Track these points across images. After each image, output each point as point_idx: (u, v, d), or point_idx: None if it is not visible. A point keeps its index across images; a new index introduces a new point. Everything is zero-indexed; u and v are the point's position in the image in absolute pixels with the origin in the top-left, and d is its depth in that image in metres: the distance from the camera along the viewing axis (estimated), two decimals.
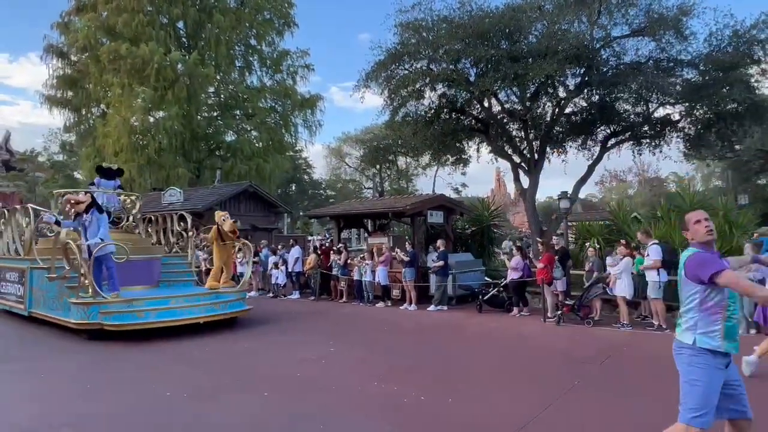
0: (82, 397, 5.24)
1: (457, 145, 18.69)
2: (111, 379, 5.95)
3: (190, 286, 10.89)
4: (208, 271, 12.32)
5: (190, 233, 11.61)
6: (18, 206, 10.97)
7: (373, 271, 12.52)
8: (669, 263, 8.80)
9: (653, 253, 8.72)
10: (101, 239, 8.35)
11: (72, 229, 9.02)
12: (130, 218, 11.38)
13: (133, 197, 11.80)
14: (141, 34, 24.43)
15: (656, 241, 8.96)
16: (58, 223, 9.34)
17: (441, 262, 11.63)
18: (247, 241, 11.23)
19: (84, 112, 28.71)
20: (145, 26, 24.63)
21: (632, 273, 9.34)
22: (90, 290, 8.13)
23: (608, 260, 9.86)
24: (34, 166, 45.85)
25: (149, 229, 12.19)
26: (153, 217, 12.32)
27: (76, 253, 8.07)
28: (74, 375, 6.22)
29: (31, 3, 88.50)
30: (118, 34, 24.68)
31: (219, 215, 10.18)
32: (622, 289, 9.17)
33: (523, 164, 16.98)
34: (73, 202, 8.66)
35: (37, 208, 10.25)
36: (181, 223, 11.85)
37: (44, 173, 44.84)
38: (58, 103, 28.23)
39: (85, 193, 8.93)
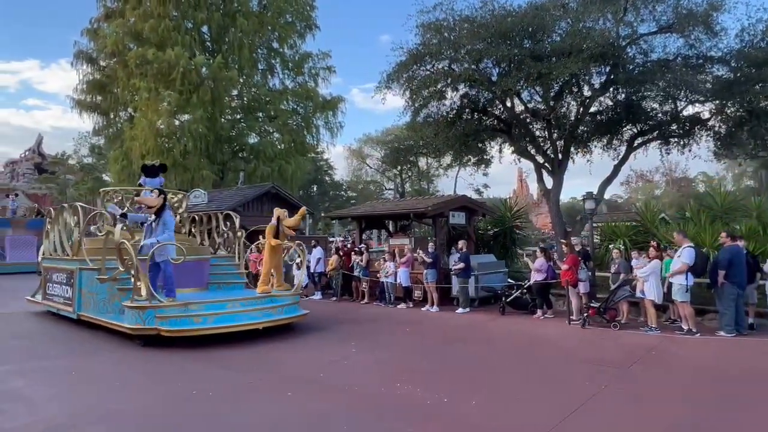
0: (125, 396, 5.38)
1: (479, 145, 18.51)
2: (169, 391, 5.59)
3: (241, 289, 10.40)
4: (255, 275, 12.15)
5: (239, 233, 11.04)
6: (66, 204, 10.57)
7: (395, 273, 12.51)
8: (697, 267, 8.58)
9: (686, 256, 8.46)
10: (157, 241, 7.98)
11: (140, 223, 8.92)
12: (177, 217, 10.85)
13: (179, 195, 11.42)
14: (167, 39, 24.96)
15: (691, 245, 8.72)
16: (124, 215, 9.11)
17: (462, 264, 11.55)
18: (300, 242, 10.67)
19: (112, 116, 29.47)
20: (171, 31, 25.16)
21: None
22: (144, 293, 7.75)
23: (634, 262, 9.66)
24: (65, 168, 47.35)
25: (193, 229, 11.84)
26: (197, 217, 11.99)
27: (131, 253, 7.69)
28: (116, 376, 6.38)
29: (61, 11, 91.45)
30: (145, 39, 25.27)
31: (279, 211, 9.57)
32: (651, 291, 8.96)
33: (546, 164, 16.73)
34: (144, 205, 8.37)
35: (86, 206, 9.99)
36: (227, 223, 11.45)
37: (74, 175, 46.25)
38: (88, 107, 29.04)
39: (159, 194, 8.43)
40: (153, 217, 8.33)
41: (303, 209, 10.10)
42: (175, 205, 10.97)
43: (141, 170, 11.07)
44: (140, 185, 10.50)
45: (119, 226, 8.33)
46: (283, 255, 10.22)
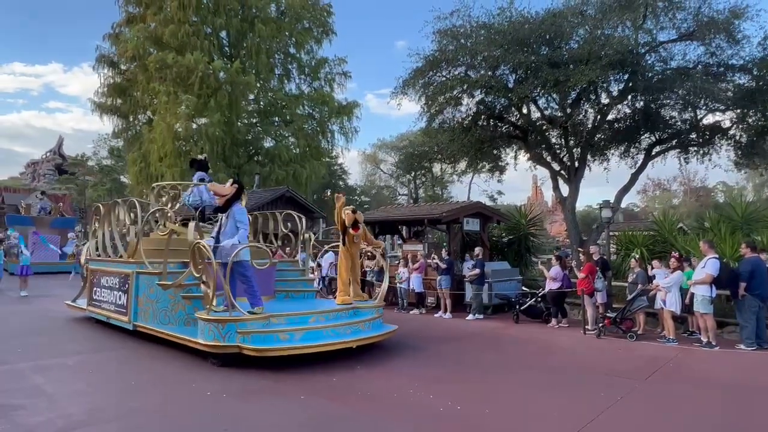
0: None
1: (495, 152, 18.52)
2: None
3: (312, 299, 9.38)
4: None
5: (307, 234, 10.04)
6: (119, 200, 9.59)
7: (408, 278, 12.49)
8: (721, 279, 8.42)
9: (710, 267, 8.30)
10: (239, 241, 6.95)
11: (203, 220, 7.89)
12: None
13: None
14: (186, 44, 25.35)
15: (716, 255, 8.56)
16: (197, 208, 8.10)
17: (477, 271, 11.49)
18: (380, 243, 9.48)
19: (131, 119, 29.96)
20: (190, 36, 25.55)
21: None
22: (227, 302, 6.71)
23: (656, 272, 9.47)
24: (84, 170, 48.26)
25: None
26: (249, 217, 11.13)
27: (210, 256, 6.58)
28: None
29: (85, 16, 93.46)
30: (165, 44, 25.69)
31: (341, 205, 8.42)
32: (672, 302, 8.83)
33: (562, 172, 16.64)
34: (217, 194, 7.30)
35: (143, 201, 9.26)
36: (288, 223, 10.37)
37: (93, 177, 47.11)
38: (108, 110, 29.56)
39: (232, 183, 7.30)
40: (221, 214, 7.31)
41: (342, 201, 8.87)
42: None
43: (191, 165, 10.37)
44: (201, 180, 9.63)
45: (192, 223, 7.34)
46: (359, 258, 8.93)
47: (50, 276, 19.16)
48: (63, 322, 10.09)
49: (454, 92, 15.14)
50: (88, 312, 9.74)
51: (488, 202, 34.41)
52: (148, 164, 26.61)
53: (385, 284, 8.76)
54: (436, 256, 12.20)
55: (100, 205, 10.11)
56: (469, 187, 38.66)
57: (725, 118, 15.18)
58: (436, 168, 40.69)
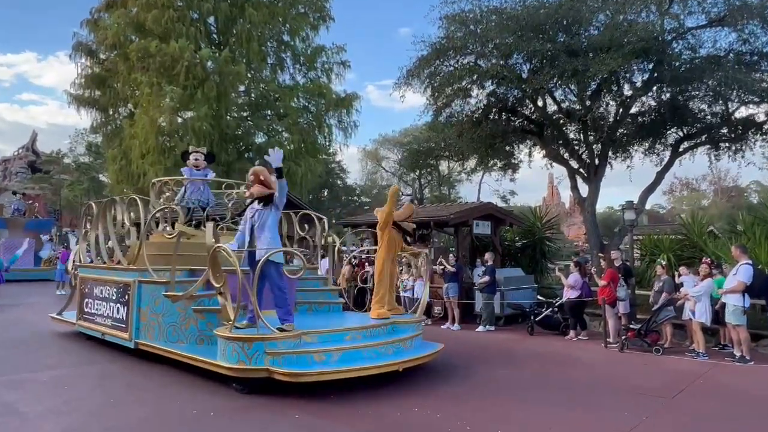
0: None
1: (507, 148, 18.53)
2: None
3: (338, 312, 8.95)
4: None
5: (330, 237, 9.70)
6: (116, 197, 9.08)
7: (413, 286, 12.49)
8: (754, 287, 8.40)
9: (743, 273, 8.27)
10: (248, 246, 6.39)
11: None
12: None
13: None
14: (171, 31, 25.37)
15: (749, 261, 8.54)
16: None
17: (488, 278, 11.49)
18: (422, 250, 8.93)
19: (111, 112, 30.00)
20: (175, 22, 25.58)
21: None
22: (251, 317, 6.31)
23: (684, 280, 9.45)
24: (60, 168, 48.37)
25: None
26: None
27: (235, 263, 6.01)
28: None
29: (61, 1, 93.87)
30: (148, 30, 25.73)
31: (393, 197, 8.21)
32: (701, 313, 8.81)
33: (581, 170, 16.64)
34: (257, 183, 6.56)
35: (146, 198, 8.87)
36: (305, 225, 10.10)
37: (69, 175, 47.22)
38: (86, 102, 29.61)
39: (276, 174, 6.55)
40: (257, 207, 6.55)
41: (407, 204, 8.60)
42: (236, 200, 9.75)
43: (182, 157, 9.96)
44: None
45: (210, 224, 6.96)
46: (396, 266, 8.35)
47: (23, 284, 19.19)
48: (39, 334, 10.11)
49: (463, 83, 15.15)
50: (78, 327, 9.21)
51: (500, 203, 34.47)
52: (129, 161, 26.63)
53: (426, 295, 8.27)
54: (444, 261, 12.19)
55: (92, 203, 9.60)
56: (479, 186, 38.68)
57: (759, 111, 15.16)
58: (443, 166, 40.71)
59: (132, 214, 8.77)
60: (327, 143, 31.42)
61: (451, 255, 12.60)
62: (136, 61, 25.05)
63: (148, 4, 25.89)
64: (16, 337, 9.67)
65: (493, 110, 16.25)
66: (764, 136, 15.53)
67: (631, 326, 9.54)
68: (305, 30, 29.91)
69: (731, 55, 14.28)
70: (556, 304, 11.22)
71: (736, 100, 14.76)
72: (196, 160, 9.27)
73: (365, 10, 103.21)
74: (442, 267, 12.08)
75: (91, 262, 9.58)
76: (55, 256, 23.82)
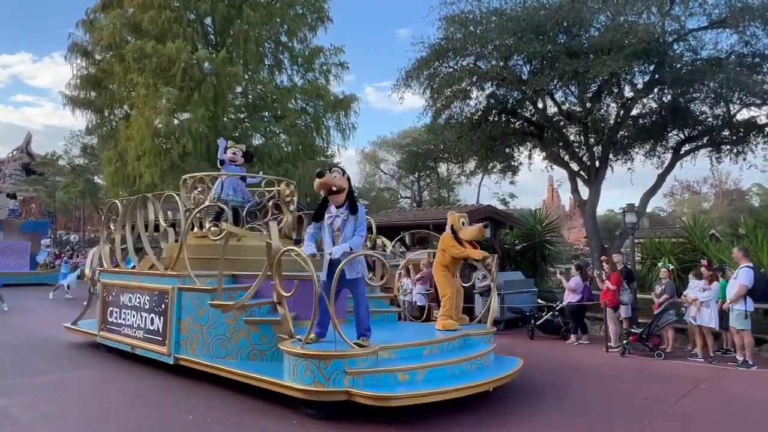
0: None
1: (507, 150, 18.53)
2: None
3: (394, 321, 8.32)
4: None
5: (379, 239, 9.17)
6: (149, 194, 8.61)
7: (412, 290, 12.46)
8: (755, 291, 8.40)
9: (744, 277, 8.28)
10: (350, 248, 5.72)
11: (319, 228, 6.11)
12: (288, 217, 8.60)
13: (292, 186, 8.97)
14: (167, 32, 25.37)
15: (750, 264, 8.55)
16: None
17: (488, 282, 11.45)
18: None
19: (107, 114, 29.97)
20: (172, 23, 25.57)
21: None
22: (318, 330, 5.73)
23: (692, 284, 9.43)
24: (55, 170, 48.29)
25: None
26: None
27: (311, 270, 5.49)
28: None
29: (56, 1, 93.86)
30: (144, 31, 25.72)
31: (454, 216, 7.66)
32: (712, 318, 8.82)
33: (581, 172, 16.63)
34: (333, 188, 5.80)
35: (185, 195, 8.32)
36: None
37: (64, 177, 47.15)
38: (81, 103, 29.58)
39: (338, 172, 5.92)
40: (337, 211, 5.88)
41: (454, 216, 7.73)
42: (288, 199, 8.93)
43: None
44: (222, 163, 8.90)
45: (274, 224, 6.33)
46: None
47: (19, 288, 19.09)
48: (35, 338, 10.08)
49: (463, 84, 15.13)
50: (100, 339, 8.54)
51: (500, 206, 34.43)
52: (124, 163, 26.57)
53: (494, 303, 7.68)
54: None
55: (117, 201, 8.95)
56: (478, 189, 38.66)
57: (761, 114, 15.17)
58: (442, 168, 40.70)
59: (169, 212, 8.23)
60: (325, 145, 31.40)
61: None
62: (132, 62, 25.03)
63: (145, 5, 25.89)
64: (11, 341, 9.63)
65: (493, 112, 16.24)
66: (766, 139, 15.53)
67: (633, 330, 9.53)
68: (303, 31, 29.95)
69: (733, 56, 14.30)
70: (557, 308, 11.21)
71: (737, 103, 14.77)
72: (234, 154, 8.81)
73: (364, 12, 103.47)
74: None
75: (116, 266, 9.03)
76: (50, 260, 23.77)
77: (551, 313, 11.17)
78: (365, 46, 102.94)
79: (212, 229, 7.92)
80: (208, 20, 28.50)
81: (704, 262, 9.49)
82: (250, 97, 29.76)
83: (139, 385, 6.73)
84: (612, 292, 9.88)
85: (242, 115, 30.00)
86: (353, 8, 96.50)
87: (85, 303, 13.38)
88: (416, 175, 42.90)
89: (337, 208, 5.84)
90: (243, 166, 9.01)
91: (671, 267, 10.38)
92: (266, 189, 9.49)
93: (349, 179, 5.99)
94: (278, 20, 28.68)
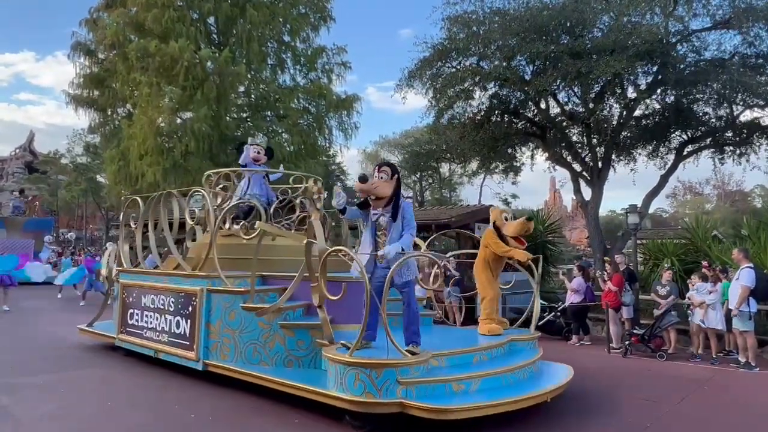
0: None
1: (509, 150, 18.52)
2: None
3: (430, 325, 7.93)
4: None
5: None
6: (173, 191, 8.23)
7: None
8: (757, 291, 8.40)
9: (745, 277, 8.28)
10: (402, 249, 5.31)
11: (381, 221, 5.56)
12: (314, 214, 8.10)
13: (320, 183, 8.45)
14: (170, 31, 25.41)
15: (750, 265, 8.55)
16: (343, 211, 5.74)
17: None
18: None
19: (110, 113, 30.03)
20: (175, 22, 25.61)
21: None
22: (367, 336, 5.29)
23: (697, 286, 9.43)
24: (57, 168, 48.40)
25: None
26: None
27: (363, 273, 5.03)
28: None
29: (59, 1, 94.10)
30: (147, 30, 25.76)
31: (496, 212, 7.24)
32: (718, 320, 8.83)
33: (584, 173, 16.62)
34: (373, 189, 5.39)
35: (212, 190, 7.92)
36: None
37: (67, 176, 47.25)
38: (84, 102, 29.63)
39: (386, 172, 5.49)
40: (380, 210, 5.51)
41: (497, 212, 7.29)
42: (315, 196, 9.44)
43: (237, 150, 9.26)
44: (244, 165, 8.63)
45: (317, 221, 5.92)
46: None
47: (21, 287, 19.07)
48: (38, 338, 10.09)
49: (465, 85, 15.13)
50: (119, 342, 8.20)
51: (502, 206, 34.41)
52: (127, 162, 26.61)
53: (537, 307, 7.30)
54: (452, 260, 12.10)
55: (137, 197, 8.56)
56: (480, 189, 38.68)
57: (765, 115, 15.14)
58: (444, 168, 40.73)
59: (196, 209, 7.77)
60: (327, 145, 31.44)
61: (452, 258, 12.56)
62: (135, 61, 25.08)
63: (148, 4, 25.93)
64: (12, 341, 9.65)
65: (496, 112, 16.24)
66: None
67: (635, 331, 9.53)
68: (306, 30, 29.98)
69: (736, 58, 14.27)
70: (559, 308, 11.20)
71: (741, 104, 14.74)
72: (257, 153, 8.54)
73: (367, 11, 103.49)
74: (447, 266, 12.03)
75: (137, 265, 8.70)
76: (53, 258, 23.76)
77: (553, 314, 11.16)
78: (368, 46, 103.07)
79: (243, 227, 7.56)
80: (211, 19, 28.56)
81: (705, 263, 9.50)
82: (252, 96, 29.80)
83: (141, 385, 6.75)
84: (614, 293, 9.87)
85: (245, 115, 30.05)
86: (356, 8, 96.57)
87: (81, 303, 13.26)
88: (418, 175, 42.91)
89: (384, 207, 5.48)
90: (266, 164, 8.75)
91: (674, 269, 10.37)
92: (287, 186, 9.28)
93: (398, 180, 5.56)
94: (281, 20, 28.71)
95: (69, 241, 35.45)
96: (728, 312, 8.64)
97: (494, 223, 7.12)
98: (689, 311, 9.36)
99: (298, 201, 8.68)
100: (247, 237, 7.19)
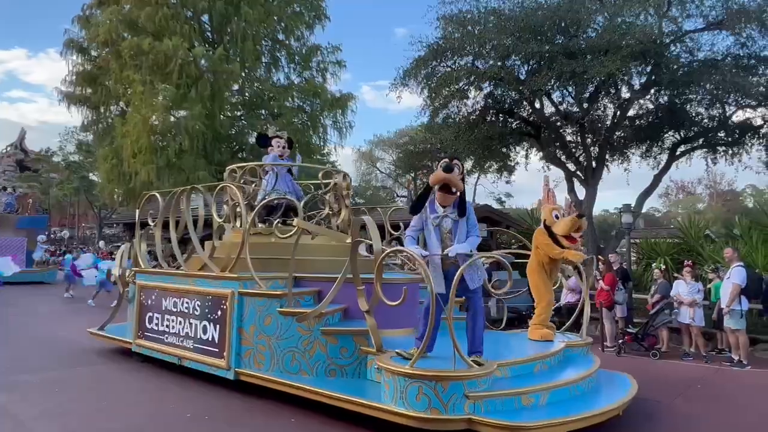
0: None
1: (504, 150, 18.59)
2: None
3: (464, 329, 7.05)
4: None
5: None
6: (199, 186, 7.69)
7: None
8: (748, 290, 8.50)
9: (736, 276, 8.38)
10: (471, 251, 5.03)
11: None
12: (342, 212, 7.87)
13: (349, 178, 8.39)
14: (164, 29, 25.31)
15: (741, 264, 8.65)
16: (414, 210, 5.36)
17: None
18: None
19: (103, 111, 29.85)
20: (169, 20, 25.51)
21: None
22: (418, 344, 4.85)
23: (678, 284, 9.54)
24: (49, 166, 48.07)
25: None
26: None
27: (428, 277, 4.64)
28: None
29: None
30: (141, 28, 25.66)
31: (547, 209, 6.81)
32: (702, 317, 8.97)
33: (578, 173, 16.71)
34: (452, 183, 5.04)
35: (243, 186, 7.52)
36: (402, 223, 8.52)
37: (59, 174, 46.95)
38: (77, 100, 29.46)
39: (459, 167, 5.20)
40: (446, 210, 5.16)
41: (549, 208, 6.84)
42: (344, 192, 8.18)
43: (258, 141, 9.00)
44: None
45: (368, 218, 5.60)
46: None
47: (13, 286, 18.95)
48: (34, 337, 10.04)
49: (460, 84, 15.18)
50: (136, 347, 7.68)
51: (496, 206, 34.54)
52: (120, 161, 26.48)
53: (587, 309, 6.92)
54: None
55: (156, 193, 8.10)
56: (474, 188, 38.75)
57: (756, 115, 15.30)
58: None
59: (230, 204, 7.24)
60: (321, 143, 31.39)
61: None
62: (128, 58, 24.96)
63: (141, 1, 25.83)
64: (9, 339, 9.59)
65: (490, 112, 16.31)
66: (761, 140, 15.66)
67: (629, 330, 9.60)
68: (300, 29, 29.94)
69: (729, 58, 14.39)
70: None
71: (733, 104, 14.89)
72: (282, 148, 8.14)
73: (362, 10, 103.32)
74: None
75: (156, 266, 8.26)
76: (46, 257, 23.61)
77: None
78: (362, 44, 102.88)
79: (277, 225, 7.09)
80: (205, 18, 28.47)
81: (689, 263, 9.66)
82: (247, 94, 29.75)
83: (138, 383, 6.74)
84: (606, 292, 9.94)
85: (239, 113, 29.99)
86: (351, 7, 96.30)
87: (90, 302, 12.97)
88: (412, 174, 42.95)
89: (444, 207, 5.14)
90: (290, 157, 8.35)
91: (663, 267, 10.46)
92: (311, 182, 9.09)
93: (464, 176, 5.30)
94: (276, 18, 28.67)
95: (62, 239, 35.21)
96: (720, 310, 8.73)
97: (545, 222, 6.66)
98: (675, 310, 9.47)
99: (328, 197, 8.22)
100: (284, 236, 6.59)
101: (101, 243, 28.30)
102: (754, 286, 8.67)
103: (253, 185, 8.10)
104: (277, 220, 7.27)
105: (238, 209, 7.42)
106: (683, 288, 9.37)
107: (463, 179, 5.20)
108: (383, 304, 4.98)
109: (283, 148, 8.21)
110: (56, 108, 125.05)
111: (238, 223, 7.59)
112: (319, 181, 8.72)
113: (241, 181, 7.93)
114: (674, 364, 8.66)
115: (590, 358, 6.25)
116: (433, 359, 4.84)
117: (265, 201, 7.24)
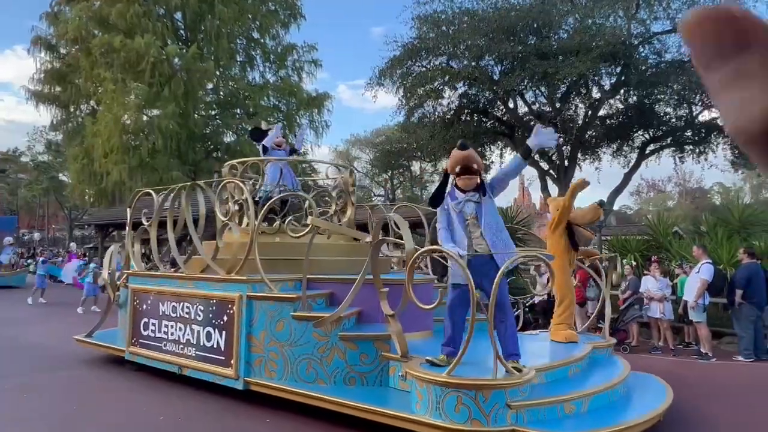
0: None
1: (479, 149, 18.79)
2: None
3: (485, 330, 6.86)
4: None
5: None
6: (200, 182, 7.09)
7: None
8: (713, 286, 8.80)
9: (705, 272, 8.68)
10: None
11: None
12: (348, 209, 7.65)
13: (355, 174, 7.76)
14: (136, 26, 24.88)
15: (710, 261, 8.95)
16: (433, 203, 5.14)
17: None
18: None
19: (73, 109, 29.22)
20: (141, 17, 25.09)
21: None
22: (448, 350, 4.64)
23: (664, 281, 9.76)
24: (17, 166, 46.80)
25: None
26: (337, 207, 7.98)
27: (467, 275, 4.22)
28: None
29: None
30: (112, 25, 25.17)
31: (555, 204, 6.60)
32: (670, 311, 9.22)
33: (551, 171, 17.00)
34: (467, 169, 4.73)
35: (239, 180, 6.90)
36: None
37: (27, 174, 45.75)
38: (46, 98, 28.76)
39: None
40: (469, 195, 4.77)
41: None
42: (350, 188, 7.90)
43: (252, 135, 8.67)
44: (265, 150, 7.75)
45: (398, 216, 5.34)
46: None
47: None
48: (8, 342, 9.79)
49: (435, 84, 15.33)
50: (129, 355, 7.12)
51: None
52: (91, 160, 25.95)
53: (608, 310, 6.68)
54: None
55: (151, 190, 7.54)
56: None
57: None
58: (415, 166, 41.00)
59: (228, 203, 6.88)
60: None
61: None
62: (99, 56, 24.48)
63: None
64: None
65: (465, 111, 16.49)
66: (726, 139, 16.13)
67: (600, 325, 9.80)
68: (276, 28, 29.75)
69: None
70: (528, 304, 11.42)
71: (699, 104, 15.31)
72: (281, 138, 7.84)
73: (338, 9, 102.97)
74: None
75: (152, 268, 7.71)
76: (15, 260, 23.01)
77: (522, 309, 11.37)
78: (339, 43, 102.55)
79: (289, 224, 6.54)
80: (178, 15, 28.07)
81: (656, 259, 9.93)
82: (221, 93, 29.45)
83: (112, 387, 6.64)
84: (578, 288, 10.13)
85: (213, 112, 29.66)
86: (326, 5, 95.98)
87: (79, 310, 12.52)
88: (389, 173, 43.11)
89: (464, 192, 4.78)
90: (286, 149, 7.95)
91: (633, 263, 10.71)
92: (311, 178, 8.91)
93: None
94: (250, 16, 28.44)
95: (33, 241, 34.35)
96: (685, 304, 9.01)
97: (554, 220, 6.46)
98: (645, 305, 9.73)
99: (335, 194, 7.93)
100: (296, 235, 6.04)
101: (72, 245, 27.68)
102: (718, 282, 8.96)
103: (251, 181, 7.72)
104: (290, 218, 6.70)
105: (237, 206, 6.99)
106: (652, 284, 9.61)
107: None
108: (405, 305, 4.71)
109: (281, 138, 7.90)
110: (24, 106, 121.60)
111: (240, 221, 7.15)
112: (323, 177, 8.34)
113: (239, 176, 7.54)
114: (644, 357, 8.87)
115: (615, 360, 6.10)
116: (464, 365, 4.37)
117: (277, 197, 6.70)
